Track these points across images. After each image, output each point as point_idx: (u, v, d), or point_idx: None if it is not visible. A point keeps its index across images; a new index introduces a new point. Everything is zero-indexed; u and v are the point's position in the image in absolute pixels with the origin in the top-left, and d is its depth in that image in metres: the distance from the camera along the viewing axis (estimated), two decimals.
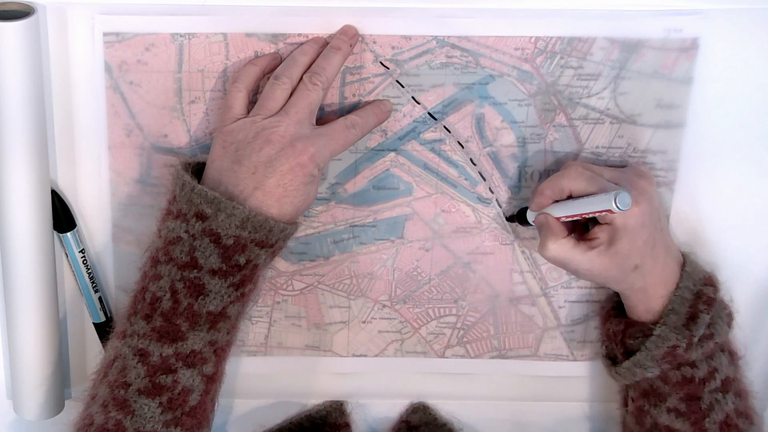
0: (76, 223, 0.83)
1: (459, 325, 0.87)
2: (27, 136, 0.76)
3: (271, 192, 0.73)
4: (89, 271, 0.84)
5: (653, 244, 0.77)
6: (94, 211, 0.83)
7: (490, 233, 0.84)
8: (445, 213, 0.84)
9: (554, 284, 0.86)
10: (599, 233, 0.76)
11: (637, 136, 0.81)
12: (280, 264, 0.85)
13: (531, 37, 0.78)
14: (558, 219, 0.78)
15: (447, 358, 0.89)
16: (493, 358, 0.89)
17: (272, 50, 0.78)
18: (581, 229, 0.79)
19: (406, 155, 0.82)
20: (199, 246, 0.72)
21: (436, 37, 0.78)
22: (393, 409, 0.91)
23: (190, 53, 0.78)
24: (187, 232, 0.72)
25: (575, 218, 0.76)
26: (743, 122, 0.82)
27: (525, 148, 0.82)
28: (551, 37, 0.78)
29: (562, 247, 0.77)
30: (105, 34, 0.77)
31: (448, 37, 0.78)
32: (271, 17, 0.77)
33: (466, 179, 0.83)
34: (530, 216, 0.81)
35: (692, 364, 0.79)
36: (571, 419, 0.92)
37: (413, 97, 0.80)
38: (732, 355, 0.81)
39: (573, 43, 0.78)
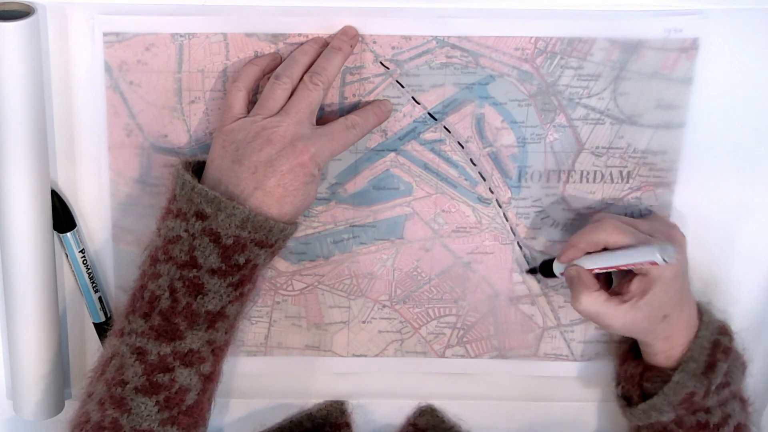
0: (76, 223, 0.83)
1: (459, 325, 0.87)
2: (27, 136, 0.76)
3: (271, 192, 0.73)
4: (89, 271, 0.84)
5: (681, 294, 0.79)
6: (94, 211, 0.83)
7: (490, 233, 0.84)
8: (444, 213, 0.84)
9: (554, 284, 0.86)
10: (632, 286, 0.77)
11: (638, 137, 0.81)
12: (280, 264, 0.85)
13: (531, 38, 0.78)
14: (590, 271, 0.78)
15: (447, 358, 0.89)
16: (493, 358, 0.89)
17: (272, 50, 0.78)
18: (604, 280, 0.80)
19: (406, 155, 0.82)
20: (199, 245, 0.72)
21: (436, 37, 0.78)
22: (394, 409, 0.91)
23: (190, 53, 0.78)
24: (186, 231, 0.72)
25: (610, 270, 0.77)
26: (743, 122, 0.82)
27: (525, 148, 0.82)
28: (551, 38, 0.78)
29: (596, 300, 0.77)
30: (105, 34, 0.77)
31: (448, 37, 0.78)
32: (271, 17, 0.77)
33: (466, 179, 0.83)
34: (558, 268, 0.81)
35: (707, 410, 0.80)
36: (571, 419, 0.92)
37: (413, 98, 0.80)
38: (743, 402, 0.82)
39: (573, 44, 0.78)
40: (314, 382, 0.90)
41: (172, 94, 0.79)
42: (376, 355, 0.89)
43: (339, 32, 0.77)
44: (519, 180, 0.83)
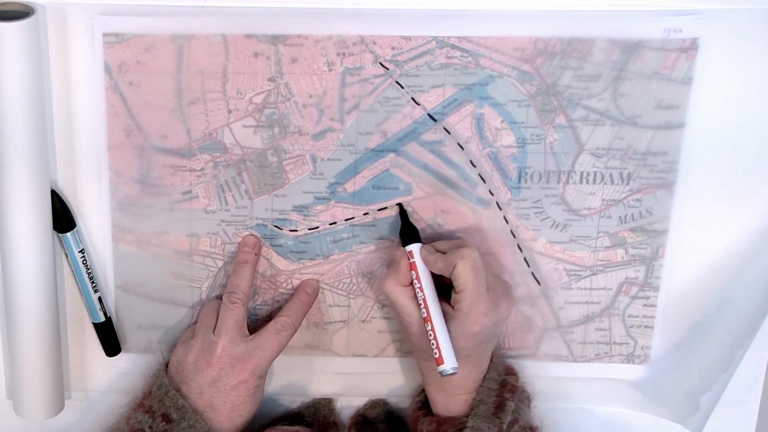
0: (76, 223, 0.83)
1: None
2: (27, 136, 0.76)
3: (220, 410, 0.80)
4: (89, 271, 0.84)
5: (479, 343, 0.79)
6: (94, 211, 0.83)
7: (490, 234, 0.84)
8: (444, 213, 0.84)
9: (554, 285, 0.86)
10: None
11: (638, 138, 0.81)
12: (280, 262, 0.85)
13: (531, 38, 0.78)
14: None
15: None
16: None
17: (272, 51, 0.78)
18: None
19: (405, 156, 0.82)
20: None
21: (436, 37, 0.78)
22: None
23: (190, 54, 0.78)
24: (151, 428, 0.79)
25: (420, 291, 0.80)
26: (743, 122, 0.82)
27: (525, 149, 0.82)
28: (551, 38, 0.78)
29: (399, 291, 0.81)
30: (105, 35, 0.77)
31: (448, 37, 0.78)
32: (270, 18, 0.77)
33: (466, 181, 0.83)
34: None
35: None
36: (570, 419, 0.92)
37: (413, 98, 0.80)
38: (533, 430, 0.84)
39: (573, 44, 0.78)
40: (313, 382, 0.90)
41: (172, 94, 0.79)
42: (376, 355, 0.89)
43: (241, 244, 0.83)
44: (519, 181, 0.83)
